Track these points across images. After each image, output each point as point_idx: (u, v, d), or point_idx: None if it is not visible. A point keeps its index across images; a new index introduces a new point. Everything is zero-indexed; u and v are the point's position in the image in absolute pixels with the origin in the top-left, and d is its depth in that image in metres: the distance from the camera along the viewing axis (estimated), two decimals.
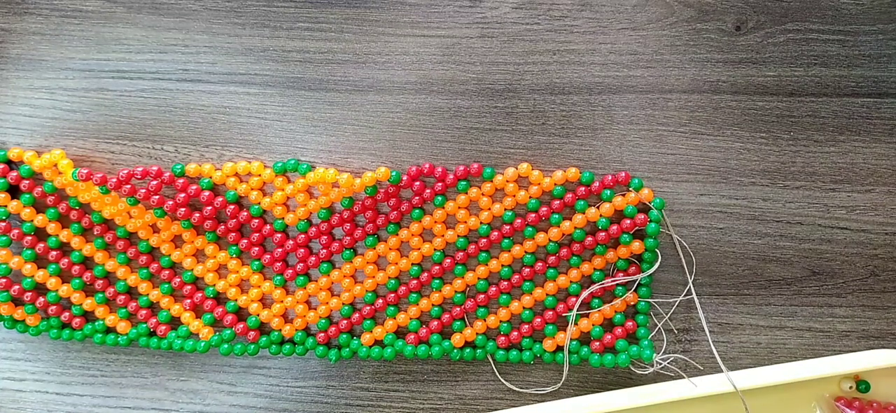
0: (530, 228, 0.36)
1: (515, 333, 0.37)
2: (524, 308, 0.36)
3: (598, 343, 0.36)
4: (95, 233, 0.37)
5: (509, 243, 0.36)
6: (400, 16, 0.35)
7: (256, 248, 0.37)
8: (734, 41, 0.35)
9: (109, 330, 0.38)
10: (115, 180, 0.34)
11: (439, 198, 0.35)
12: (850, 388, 0.35)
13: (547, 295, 0.36)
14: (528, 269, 0.36)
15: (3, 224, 0.36)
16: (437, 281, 0.36)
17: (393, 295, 0.37)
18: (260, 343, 0.37)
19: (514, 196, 0.35)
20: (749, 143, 0.36)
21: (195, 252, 0.37)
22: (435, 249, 0.36)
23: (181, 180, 0.35)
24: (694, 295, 0.36)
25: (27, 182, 0.36)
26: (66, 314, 0.38)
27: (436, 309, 0.37)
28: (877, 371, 0.35)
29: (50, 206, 0.36)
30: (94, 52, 0.36)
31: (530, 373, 0.38)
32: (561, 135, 0.36)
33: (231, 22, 0.36)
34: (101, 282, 0.37)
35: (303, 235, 0.36)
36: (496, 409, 0.38)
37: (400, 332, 0.38)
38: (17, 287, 0.37)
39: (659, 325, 0.37)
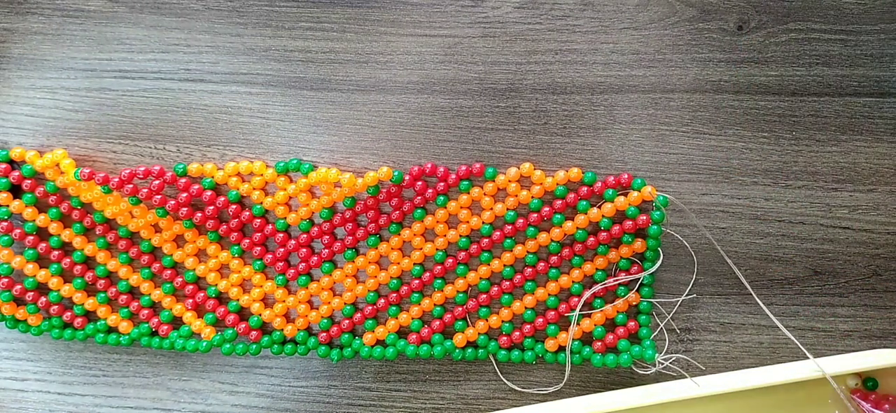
0: (532, 228, 0.36)
1: (517, 333, 0.37)
2: (526, 308, 0.36)
3: (600, 343, 0.36)
4: (97, 232, 0.37)
5: (511, 243, 0.36)
6: (402, 15, 0.35)
7: (258, 248, 0.37)
8: (736, 41, 0.35)
9: (111, 330, 0.38)
10: (116, 180, 0.34)
11: (441, 198, 0.35)
12: (856, 384, 0.35)
13: (549, 295, 0.36)
14: (529, 269, 0.36)
15: (5, 224, 0.36)
16: (439, 281, 0.36)
17: (395, 295, 0.37)
18: (262, 343, 0.37)
19: (516, 196, 0.35)
20: (751, 142, 0.36)
21: (197, 252, 0.37)
22: (437, 249, 0.36)
23: (183, 180, 0.35)
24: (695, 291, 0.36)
25: (29, 182, 0.36)
26: (68, 314, 0.38)
27: (438, 309, 0.37)
28: (881, 370, 0.35)
29: (52, 206, 0.36)
30: (96, 51, 0.36)
31: (532, 373, 0.38)
32: (563, 134, 0.36)
33: (233, 22, 0.36)
34: (103, 281, 0.37)
35: (305, 235, 0.36)
36: (498, 409, 0.38)
37: (402, 332, 0.38)
38: (18, 287, 0.37)
39: (661, 325, 0.37)
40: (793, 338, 0.32)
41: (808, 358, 0.36)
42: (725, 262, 0.36)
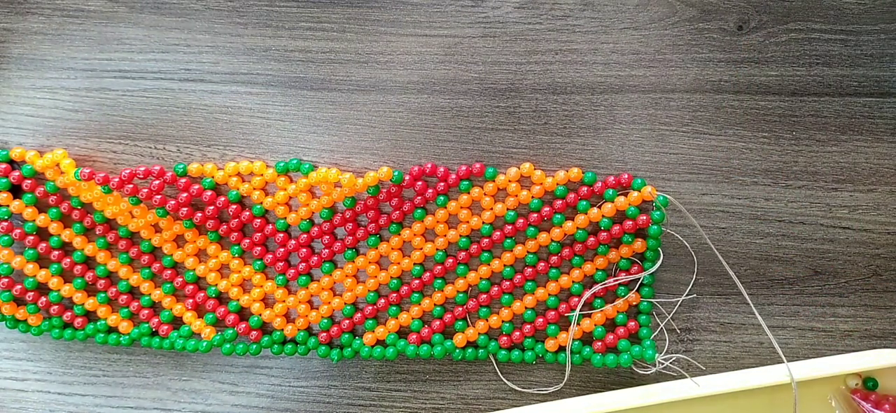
0: (532, 228, 0.36)
1: (517, 333, 0.37)
2: (526, 308, 0.36)
3: (600, 343, 0.36)
4: (97, 232, 0.37)
5: (511, 243, 0.36)
6: (402, 15, 0.35)
7: (258, 248, 0.37)
8: (736, 41, 0.35)
9: (111, 330, 0.38)
10: (117, 180, 0.34)
11: (441, 198, 0.35)
12: (856, 384, 0.35)
13: (549, 295, 0.36)
14: (530, 269, 0.36)
15: (6, 224, 0.36)
16: (439, 281, 0.36)
17: (395, 295, 0.37)
18: (262, 343, 0.37)
19: (516, 196, 0.35)
20: (751, 142, 0.36)
21: (197, 252, 0.37)
22: (437, 249, 0.36)
23: (183, 180, 0.35)
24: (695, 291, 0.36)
25: (29, 182, 0.36)
26: (68, 314, 0.38)
27: (438, 309, 0.37)
28: (881, 370, 0.35)
29: (52, 206, 0.36)
30: (97, 51, 0.36)
31: (532, 373, 0.38)
32: (563, 134, 0.36)
33: (233, 22, 0.36)
34: (103, 281, 0.37)
35: (305, 235, 0.36)
36: (498, 409, 0.38)
37: (402, 332, 0.38)
38: (19, 287, 0.37)
39: (661, 325, 0.37)
40: (771, 336, 0.32)
41: (809, 358, 0.36)
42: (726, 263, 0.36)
